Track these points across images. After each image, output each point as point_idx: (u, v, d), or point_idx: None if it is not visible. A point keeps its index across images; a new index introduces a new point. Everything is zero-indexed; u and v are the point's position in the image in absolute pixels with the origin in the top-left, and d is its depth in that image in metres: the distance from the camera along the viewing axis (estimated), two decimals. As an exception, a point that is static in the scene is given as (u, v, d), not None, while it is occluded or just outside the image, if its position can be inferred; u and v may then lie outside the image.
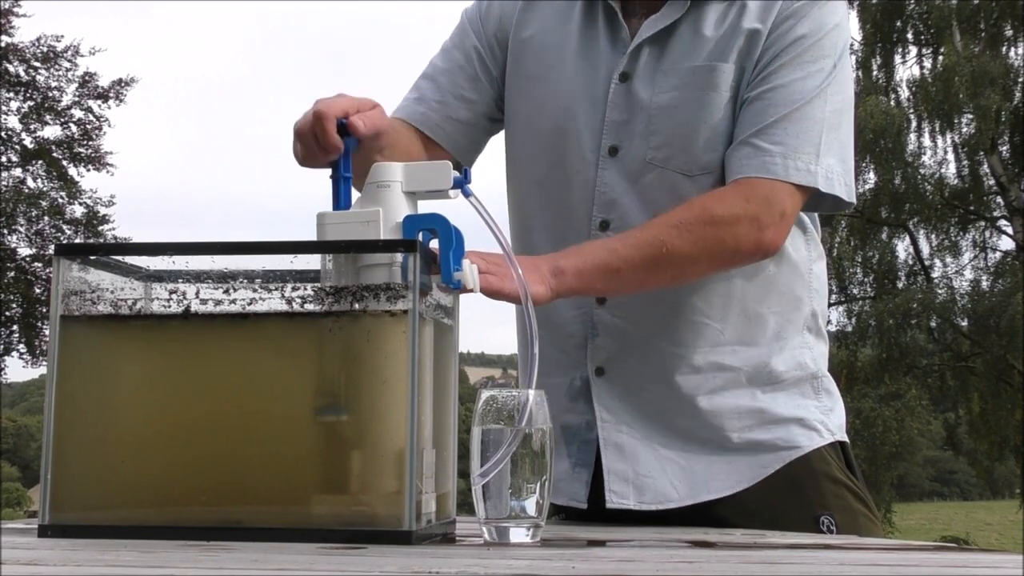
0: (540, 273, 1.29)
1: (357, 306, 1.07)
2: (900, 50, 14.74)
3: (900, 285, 15.00)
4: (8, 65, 15.48)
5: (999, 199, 14.57)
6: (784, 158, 1.38)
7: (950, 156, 14.68)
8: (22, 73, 15.67)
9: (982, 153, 14.17)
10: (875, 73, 14.83)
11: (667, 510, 1.46)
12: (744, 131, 1.41)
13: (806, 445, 1.49)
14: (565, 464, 1.49)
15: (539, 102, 1.53)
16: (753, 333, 1.47)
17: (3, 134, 15.72)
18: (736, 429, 1.48)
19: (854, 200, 1.45)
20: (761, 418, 1.48)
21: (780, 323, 1.51)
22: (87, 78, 15.89)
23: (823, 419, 1.52)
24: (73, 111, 15.97)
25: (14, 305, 15.67)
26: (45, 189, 15.99)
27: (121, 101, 16.01)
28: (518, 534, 1.08)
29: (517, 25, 1.57)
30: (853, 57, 13.18)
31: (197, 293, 1.10)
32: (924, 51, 14.73)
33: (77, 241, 14.72)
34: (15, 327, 15.85)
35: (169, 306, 1.10)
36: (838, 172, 1.42)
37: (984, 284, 14.59)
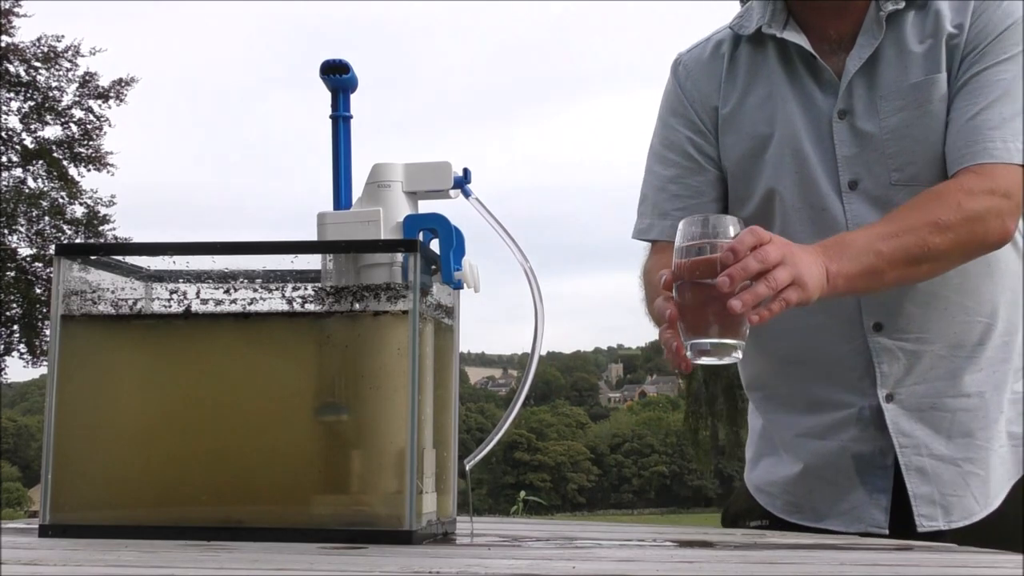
0: (821, 276, 1.26)
1: (357, 306, 1.07)
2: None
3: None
4: (8, 65, 15.49)
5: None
6: (1004, 141, 1.40)
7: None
8: (22, 73, 15.68)
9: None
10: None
11: (973, 524, 1.48)
12: (961, 116, 1.43)
13: None
14: (860, 492, 1.51)
15: (772, 154, 1.52)
16: (1009, 319, 1.51)
17: (3, 134, 15.73)
18: (1008, 421, 1.52)
19: None
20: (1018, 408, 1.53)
21: (1013, 308, 1.54)
22: (87, 78, 15.91)
23: None
24: (73, 111, 16.00)
25: (14, 305, 15.68)
26: (45, 189, 16.00)
27: (121, 101, 16.03)
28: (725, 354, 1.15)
29: (722, 101, 1.57)
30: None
31: (198, 293, 1.10)
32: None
33: (77, 241, 14.72)
34: (15, 327, 15.86)
35: (170, 306, 1.10)
36: None
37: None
